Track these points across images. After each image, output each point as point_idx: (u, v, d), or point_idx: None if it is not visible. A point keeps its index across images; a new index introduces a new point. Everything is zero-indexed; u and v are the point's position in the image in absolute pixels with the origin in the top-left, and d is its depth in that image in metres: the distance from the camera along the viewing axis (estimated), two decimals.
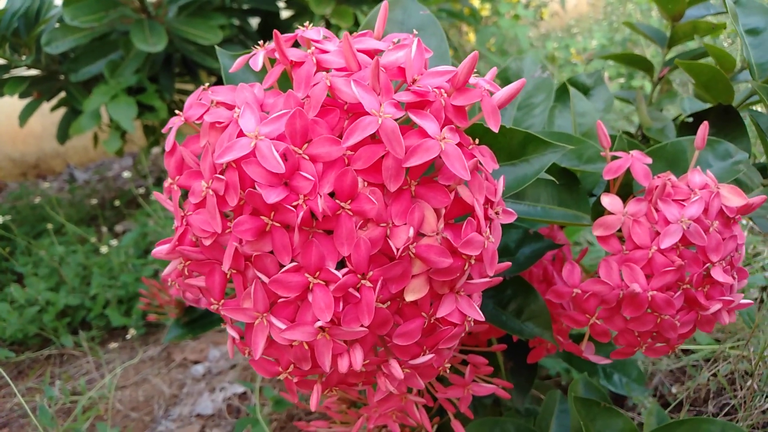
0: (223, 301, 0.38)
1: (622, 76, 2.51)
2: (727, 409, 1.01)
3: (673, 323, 0.48)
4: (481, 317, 0.39)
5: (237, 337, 0.40)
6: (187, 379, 1.55)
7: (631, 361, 0.85)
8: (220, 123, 0.37)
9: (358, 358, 0.37)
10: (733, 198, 0.49)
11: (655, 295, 0.47)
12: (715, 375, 1.07)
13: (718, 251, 0.48)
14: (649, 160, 0.51)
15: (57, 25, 1.55)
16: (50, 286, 1.66)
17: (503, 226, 0.59)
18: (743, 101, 0.75)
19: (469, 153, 0.38)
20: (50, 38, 1.49)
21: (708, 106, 0.76)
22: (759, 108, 0.85)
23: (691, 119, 0.74)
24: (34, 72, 1.70)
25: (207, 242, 0.36)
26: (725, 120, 0.73)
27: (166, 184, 0.40)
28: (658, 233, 0.48)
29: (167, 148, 0.40)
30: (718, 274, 0.48)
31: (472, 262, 0.37)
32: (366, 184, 0.35)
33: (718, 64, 0.74)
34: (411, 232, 0.34)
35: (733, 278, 0.51)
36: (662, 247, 0.47)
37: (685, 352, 1.16)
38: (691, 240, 0.47)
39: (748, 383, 1.00)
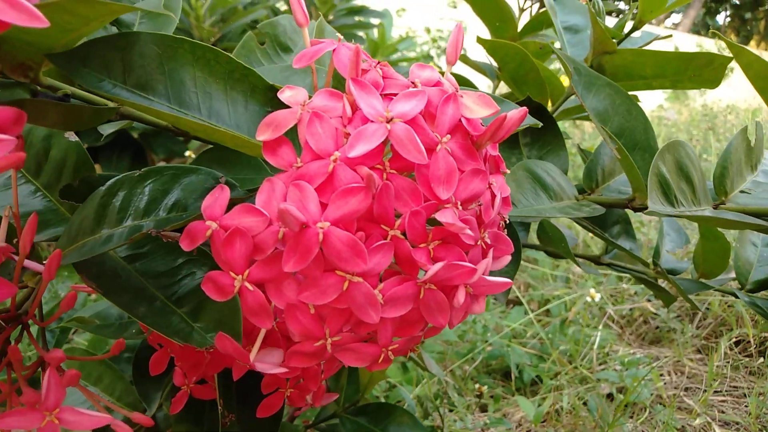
0: None
1: None
2: None
3: (371, 294, 0.28)
4: None
5: None
6: None
7: None
8: None
9: None
10: (477, 108, 0.32)
11: (329, 230, 0.27)
12: None
13: (449, 183, 0.30)
14: (363, 55, 0.34)
15: None
16: None
17: (173, 174, 0.39)
18: (559, 104, 0.61)
19: None
20: None
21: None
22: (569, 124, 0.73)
23: None
24: None
25: None
26: (540, 128, 0.59)
27: None
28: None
29: None
30: (447, 217, 0.29)
31: None
32: None
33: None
34: None
35: (486, 243, 0.33)
36: (351, 155, 0.28)
37: None
38: (399, 150, 0.29)
39: None
